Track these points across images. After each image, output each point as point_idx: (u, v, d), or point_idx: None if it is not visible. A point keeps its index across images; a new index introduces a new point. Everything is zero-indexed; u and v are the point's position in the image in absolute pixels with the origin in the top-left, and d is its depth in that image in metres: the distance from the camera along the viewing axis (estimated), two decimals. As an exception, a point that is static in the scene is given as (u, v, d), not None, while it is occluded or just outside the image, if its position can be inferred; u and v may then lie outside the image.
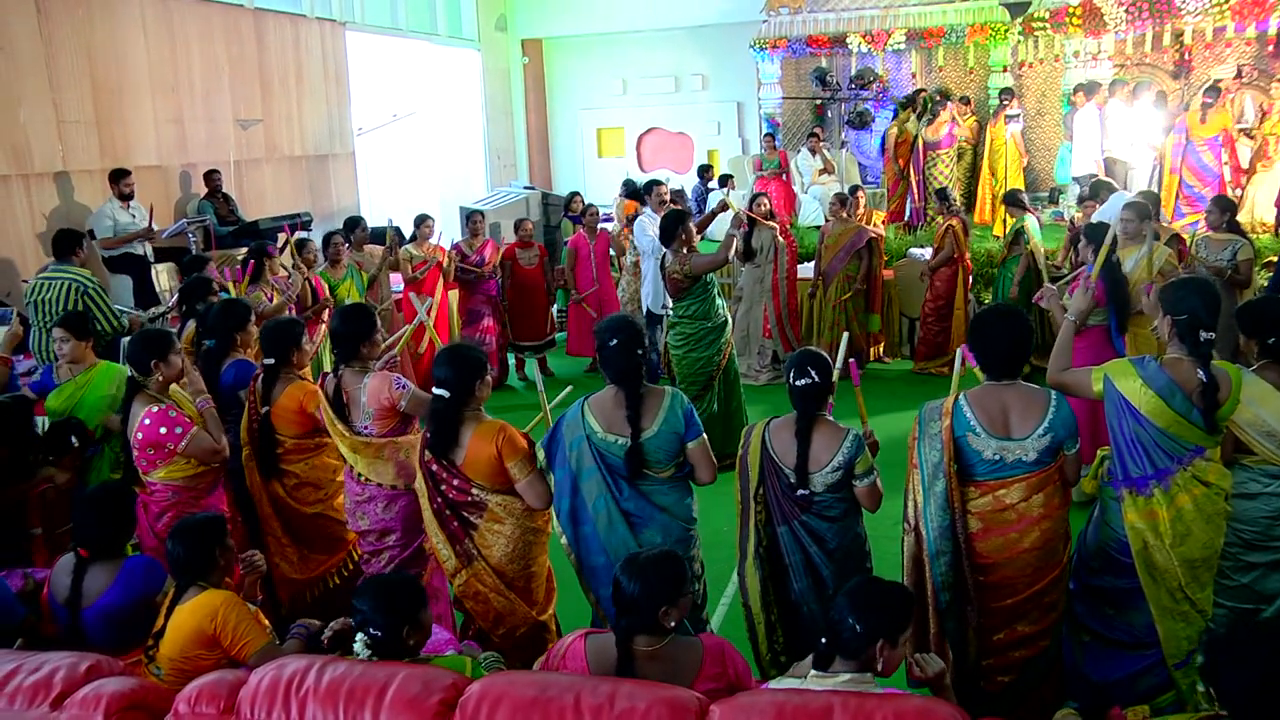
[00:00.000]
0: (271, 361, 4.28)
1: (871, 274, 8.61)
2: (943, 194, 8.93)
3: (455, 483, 3.57)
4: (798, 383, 3.40)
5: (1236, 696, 2.14)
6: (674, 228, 6.16)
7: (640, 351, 3.56)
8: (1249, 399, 3.40)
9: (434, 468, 3.60)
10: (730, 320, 6.51)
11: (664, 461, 3.53)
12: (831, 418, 3.48)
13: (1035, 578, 3.34)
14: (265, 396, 4.26)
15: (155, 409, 3.97)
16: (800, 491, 3.39)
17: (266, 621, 3.18)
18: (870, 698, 2.31)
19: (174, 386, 4.18)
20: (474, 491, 3.56)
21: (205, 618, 3.01)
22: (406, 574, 3.47)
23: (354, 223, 8.23)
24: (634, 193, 10.73)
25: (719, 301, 6.32)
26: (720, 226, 8.17)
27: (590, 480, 3.54)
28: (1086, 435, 5.42)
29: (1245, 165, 9.92)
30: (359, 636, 2.68)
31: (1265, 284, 7.89)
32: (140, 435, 3.97)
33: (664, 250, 6.34)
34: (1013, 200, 8.74)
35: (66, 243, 6.38)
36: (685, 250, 6.16)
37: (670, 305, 6.47)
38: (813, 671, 2.57)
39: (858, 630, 2.50)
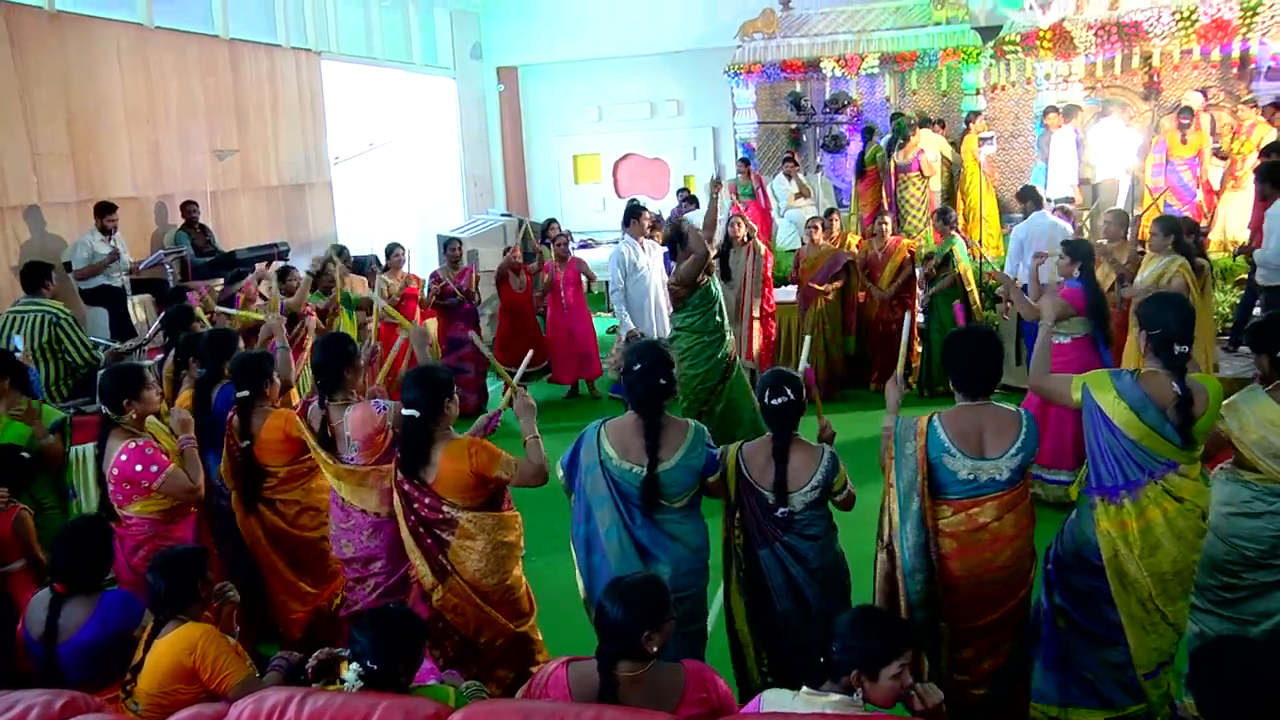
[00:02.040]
0: (245, 394, 4.25)
1: (848, 296, 8.60)
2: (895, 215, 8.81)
3: (427, 501, 3.60)
4: (773, 402, 3.41)
5: (1219, 712, 2.15)
6: (673, 244, 6.30)
7: (664, 381, 3.45)
8: (1260, 422, 3.44)
9: (406, 487, 3.63)
10: (727, 336, 6.56)
11: (678, 494, 3.46)
12: (803, 436, 3.48)
13: (1007, 595, 3.37)
14: (244, 430, 4.23)
15: (133, 445, 3.94)
16: (780, 510, 3.39)
17: (246, 654, 3.15)
18: (855, 720, 2.31)
19: (151, 419, 4.14)
20: (445, 509, 3.59)
21: (184, 651, 2.98)
22: (408, 608, 3.43)
23: (337, 251, 8.23)
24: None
25: (718, 319, 6.40)
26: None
27: (603, 507, 3.45)
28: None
29: (1216, 186, 10.06)
30: (353, 667, 2.64)
31: (1238, 301, 8.01)
32: (116, 471, 3.93)
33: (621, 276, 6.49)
34: (943, 218, 8.39)
35: (36, 275, 6.34)
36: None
37: (673, 320, 6.65)
38: (805, 688, 2.57)
39: (835, 655, 2.54)
